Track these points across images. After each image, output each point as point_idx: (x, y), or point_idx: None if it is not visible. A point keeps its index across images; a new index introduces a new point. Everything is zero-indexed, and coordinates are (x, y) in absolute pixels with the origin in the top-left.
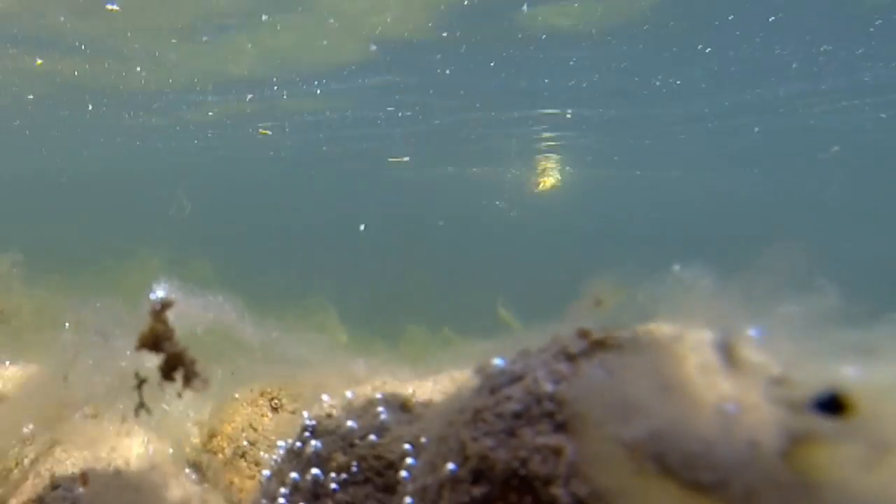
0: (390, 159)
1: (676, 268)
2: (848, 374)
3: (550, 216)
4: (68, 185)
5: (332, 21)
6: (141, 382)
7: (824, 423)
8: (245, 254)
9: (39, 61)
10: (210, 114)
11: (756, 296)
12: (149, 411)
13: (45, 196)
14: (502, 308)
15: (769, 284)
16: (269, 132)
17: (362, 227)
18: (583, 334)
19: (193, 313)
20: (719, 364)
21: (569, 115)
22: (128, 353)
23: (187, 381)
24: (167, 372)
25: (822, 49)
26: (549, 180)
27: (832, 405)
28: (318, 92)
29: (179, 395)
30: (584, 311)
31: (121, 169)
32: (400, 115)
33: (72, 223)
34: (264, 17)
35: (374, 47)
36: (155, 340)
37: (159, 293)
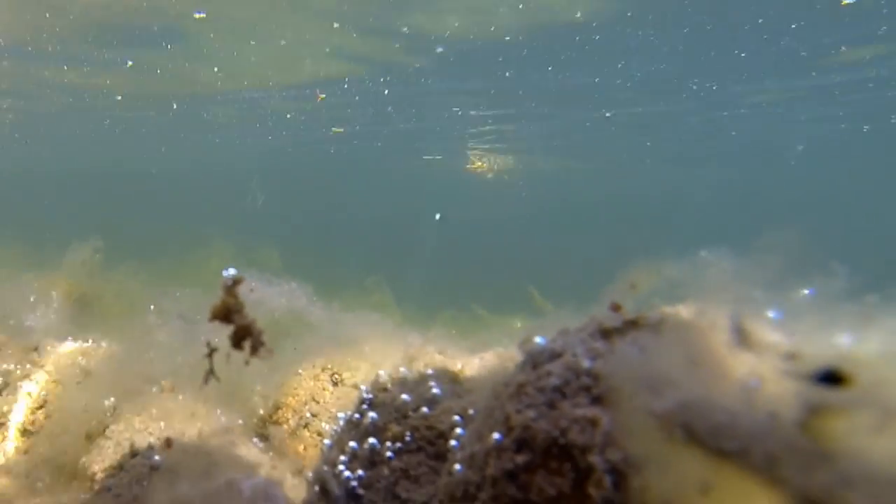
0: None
1: (702, 253)
2: (846, 345)
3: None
4: (149, 178)
5: (405, 30)
6: (211, 351)
7: (836, 395)
8: (307, 242)
9: (130, 62)
10: (288, 115)
11: (767, 278)
12: (217, 379)
13: (127, 188)
14: (535, 291)
15: (777, 267)
16: (342, 130)
17: (437, 217)
18: (615, 307)
19: (269, 298)
20: (735, 342)
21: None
22: (202, 334)
23: (254, 349)
24: (236, 341)
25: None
26: (480, 163)
27: (833, 377)
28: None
29: (247, 363)
30: (620, 294)
31: (198, 164)
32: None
33: (152, 214)
34: (335, 25)
35: (440, 49)
36: (226, 312)
37: (231, 271)
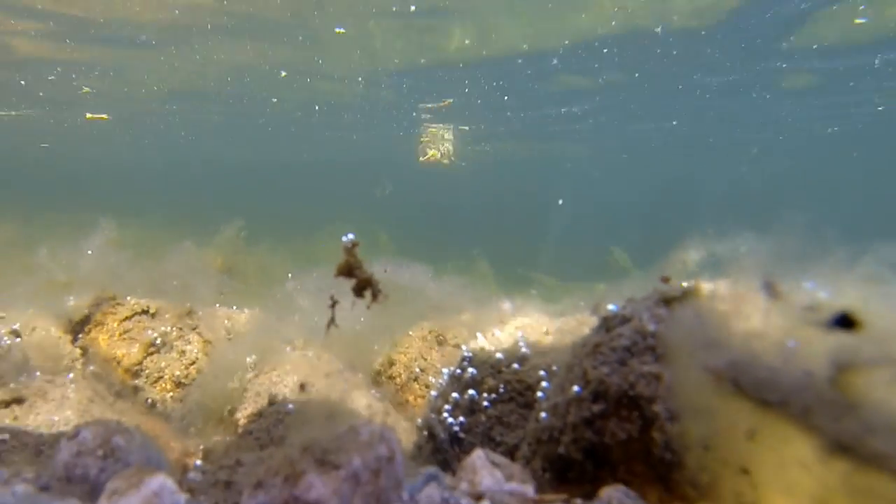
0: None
1: (745, 234)
2: (856, 298)
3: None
4: (287, 170)
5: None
6: (334, 304)
7: (858, 353)
8: (412, 225)
9: (284, 73)
10: (414, 114)
11: (788, 254)
12: (337, 326)
13: (268, 179)
14: (616, 251)
15: (795, 244)
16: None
17: (560, 202)
18: (665, 280)
19: (396, 274)
20: (767, 298)
21: None
22: (328, 298)
23: (374, 296)
24: (358, 291)
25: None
26: (433, 152)
27: (846, 322)
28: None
29: (368, 307)
30: (674, 269)
31: (331, 157)
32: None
33: (288, 201)
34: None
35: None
36: (349, 269)
37: (350, 236)
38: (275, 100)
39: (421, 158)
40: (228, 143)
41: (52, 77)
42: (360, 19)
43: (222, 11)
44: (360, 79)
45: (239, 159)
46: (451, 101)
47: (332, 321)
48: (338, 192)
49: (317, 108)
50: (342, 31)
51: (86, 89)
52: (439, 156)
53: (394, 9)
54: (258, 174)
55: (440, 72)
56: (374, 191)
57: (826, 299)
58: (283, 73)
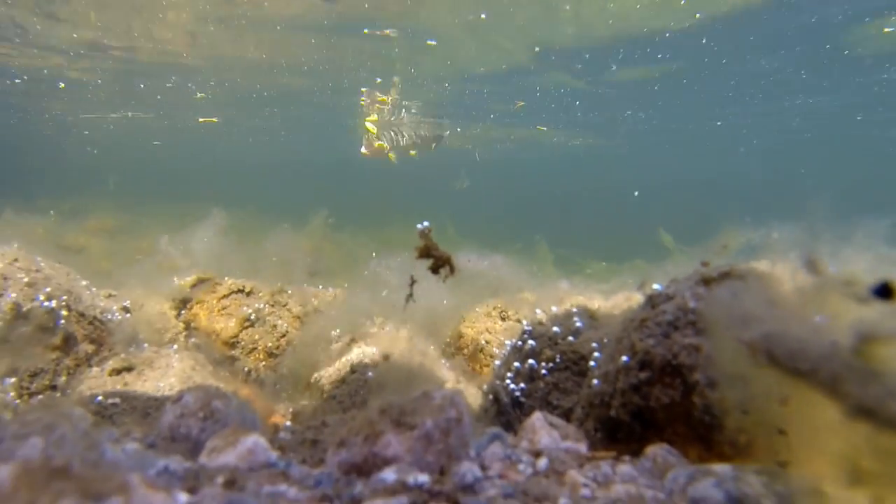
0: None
1: (780, 222)
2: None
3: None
4: (360, 167)
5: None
6: (413, 283)
7: (881, 325)
8: (474, 214)
9: (379, 80)
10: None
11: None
12: (415, 301)
13: (351, 175)
14: (663, 233)
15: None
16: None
17: (636, 194)
18: (705, 264)
19: (476, 262)
20: (807, 274)
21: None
22: (405, 277)
23: (451, 271)
24: (435, 269)
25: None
26: (380, 142)
27: (886, 292)
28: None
29: (444, 280)
30: (715, 252)
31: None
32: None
33: (368, 195)
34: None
35: None
36: (426, 251)
37: (425, 223)
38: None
39: (363, 150)
40: (318, 142)
41: (170, 84)
42: (448, 30)
43: (322, 19)
44: (446, 84)
45: (327, 157)
46: (524, 103)
47: (409, 297)
48: (414, 187)
49: (404, 112)
50: (433, 43)
51: (200, 95)
52: (388, 148)
53: (470, 17)
54: (343, 171)
55: (516, 76)
56: (454, 184)
57: (862, 274)
58: (378, 80)
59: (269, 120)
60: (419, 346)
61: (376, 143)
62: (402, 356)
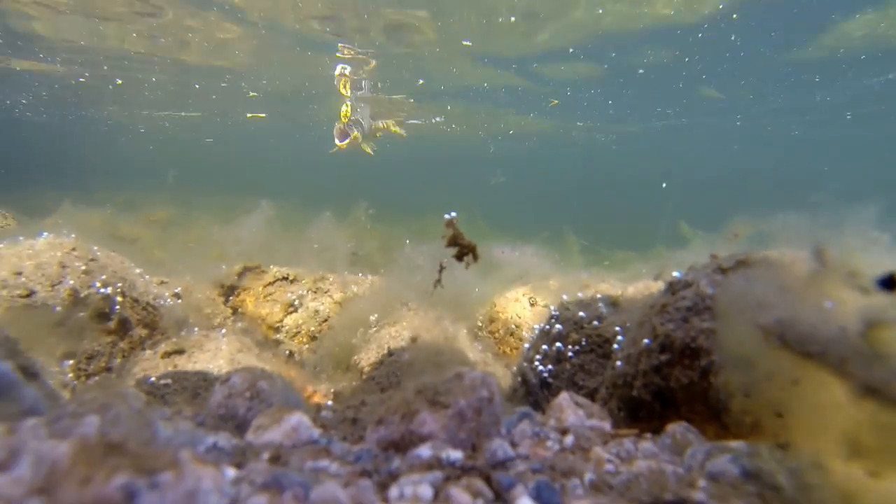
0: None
1: (781, 213)
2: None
3: None
4: (394, 165)
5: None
6: (441, 269)
7: (885, 309)
8: (503, 205)
9: (421, 81)
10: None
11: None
12: (443, 286)
13: (389, 170)
14: (683, 225)
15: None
16: (557, 102)
17: (664, 185)
18: (713, 257)
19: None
20: (815, 264)
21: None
22: (436, 265)
23: (475, 258)
24: (460, 256)
25: None
26: (356, 133)
27: (890, 283)
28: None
29: (467, 267)
30: (727, 241)
31: (438, 154)
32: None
33: (404, 189)
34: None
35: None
36: (454, 239)
37: (452, 213)
38: (412, 101)
39: (338, 142)
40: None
41: (224, 84)
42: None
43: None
44: (485, 84)
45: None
46: (558, 102)
47: (438, 282)
48: (447, 182)
49: (442, 117)
50: (469, 43)
51: (252, 94)
52: (361, 140)
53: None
54: (382, 165)
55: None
56: (489, 179)
57: (865, 265)
58: (421, 81)
59: (312, 115)
60: (451, 329)
61: (353, 134)
62: (435, 339)
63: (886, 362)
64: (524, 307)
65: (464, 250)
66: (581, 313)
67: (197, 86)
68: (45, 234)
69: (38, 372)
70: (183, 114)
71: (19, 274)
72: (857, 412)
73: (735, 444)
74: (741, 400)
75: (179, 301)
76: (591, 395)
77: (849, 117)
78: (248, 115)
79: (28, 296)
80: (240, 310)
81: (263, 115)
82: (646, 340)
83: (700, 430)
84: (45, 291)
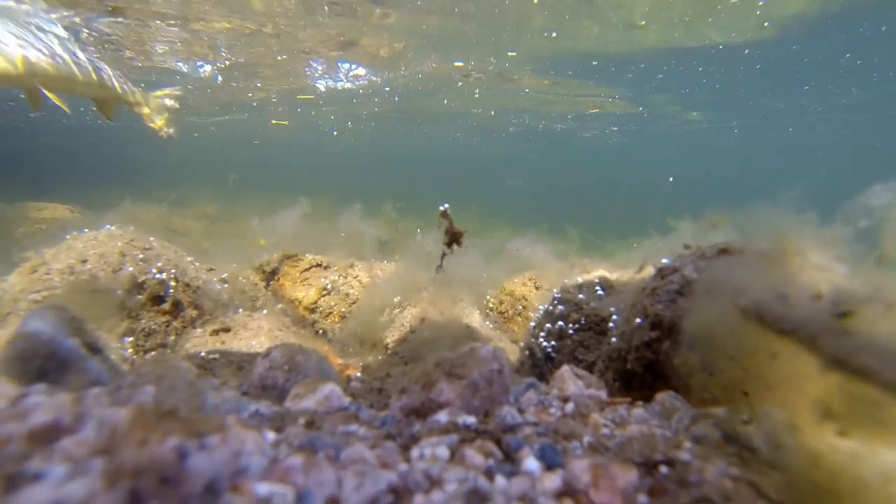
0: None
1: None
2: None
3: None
4: (424, 164)
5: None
6: (443, 255)
7: (854, 290)
8: (503, 200)
9: (461, 83)
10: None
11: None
12: (445, 271)
13: (415, 170)
14: (670, 219)
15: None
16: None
17: (671, 179)
18: (686, 246)
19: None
20: (785, 258)
21: None
22: (447, 253)
23: (459, 244)
24: (449, 243)
25: None
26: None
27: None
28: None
29: (451, 252)
30: (704, 230)
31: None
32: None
33: (429, 188)
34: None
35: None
36: (451, 228)
37: (446, 205)
38: (445, 101)
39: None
40: (389, 140)
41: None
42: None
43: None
44: (526, 89)
45: (398, 154)
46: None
47: (439, 267)
48: (470, 183)
49: (470, 121)
50: (514, 54)
51: (301, 96)
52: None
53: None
54: (408, 166)
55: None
56: (507, 182)
57: (832, 261)
58: (460, 84)
59: (350, 120)
60: (467, 310)
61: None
62: (452, 318)
63: (852, 338)
64: (531, 290)
65: (454, 238)
66: (581, 295)
67: (250, 94)
68: (108, 226)
69: (102, 348)
70: (227, 117)
71: (85, 262)
72: (827, 382)
73: (717, 410)
74: (701, 378)
75: (226, 285)
76: (590, 368)
77: None
78: (273, 121)
79: (93, 281)
80: (279, 293)
81: (286, 122)
82: (638, 319)
83: (686, 399)
84: (108, 277)
